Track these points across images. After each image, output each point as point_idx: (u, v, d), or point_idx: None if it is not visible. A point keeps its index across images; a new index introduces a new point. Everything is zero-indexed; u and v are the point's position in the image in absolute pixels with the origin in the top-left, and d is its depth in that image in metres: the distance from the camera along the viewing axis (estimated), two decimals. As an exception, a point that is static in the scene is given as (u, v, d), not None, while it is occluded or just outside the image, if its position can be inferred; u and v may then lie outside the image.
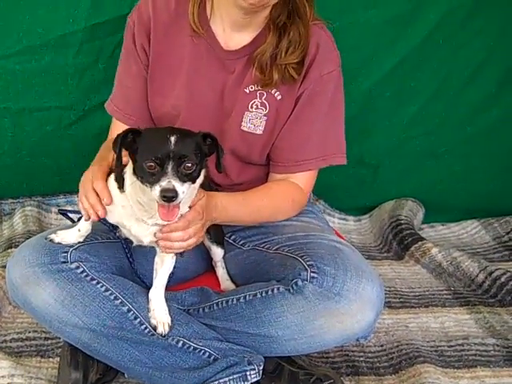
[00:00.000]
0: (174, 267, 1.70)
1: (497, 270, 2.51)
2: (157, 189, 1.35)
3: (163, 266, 1.67)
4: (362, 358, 2.04)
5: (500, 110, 2.87)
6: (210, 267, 2.01)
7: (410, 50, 2.67)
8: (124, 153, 1.47)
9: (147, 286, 1.74)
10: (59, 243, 1.67)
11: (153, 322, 1.66)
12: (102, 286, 1.66)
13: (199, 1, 1.82)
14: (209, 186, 1.74)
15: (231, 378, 1.65)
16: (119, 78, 1.99)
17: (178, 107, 1.87)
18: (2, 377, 1.76)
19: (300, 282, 1.65)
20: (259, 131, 1.87)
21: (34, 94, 2.49)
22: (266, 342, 1.72)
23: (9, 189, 2.74)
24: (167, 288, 1.71)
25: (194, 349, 1.69)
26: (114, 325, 1.65)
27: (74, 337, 1.67)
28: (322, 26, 1.86)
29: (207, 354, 1.69)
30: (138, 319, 1.66)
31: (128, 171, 1.49)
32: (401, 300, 2.41)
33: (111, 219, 1.61)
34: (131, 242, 1.68)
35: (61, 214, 1.91)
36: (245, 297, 1.74)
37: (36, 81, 2.47)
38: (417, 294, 2.47)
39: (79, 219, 1.71)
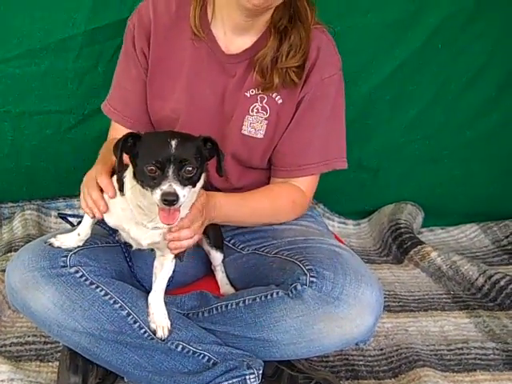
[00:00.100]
0: (174, 271, 1.70)
1: (496, 273, 2.50)
2: (158, 192, 1.35)
3: (162, 270, 1.67)
4: (361, 362, 2.03)
5: (500, 115, 2.88)
6: (209, 271, 2.01)
7: (410, 53, 2.68)
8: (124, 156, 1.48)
9: (146, 290, 1.74)
10: (59, 247, 1.67)
11: (152, 326, 1.66)
12: (101, 290, 1.65)
13: (200, 4, 1.82)
14: (208, 189, 1.74)
15: (230, 382, 1.65)
16: (117, 80, 1.99)
17: (178, 111, 1.87)
18: (2, 381, 1.76)
19: (299, 287, 1.65)
20: (260, 135, 1.87)
21: (33, 97, 2.50)
22: (266, 346, 1.72)
23: (8, 192, 2.74)
24: (166, 292, 1.71)
25: (194, 353, 1.68)
26: (113, 329, 1.65)
27: (74, 341, 1.67)
28: (323, 29, 1.86)
29: (206, 358, 1.69)
30: (138, 323, 1.66)
31: (128, 175, 1.50)
32: (400, 304, 2.41)
33: (110, 222, 1.61)
34: (130, 246, 1.68)
35: (60, 217, 1.92)
36: (244, 301, 1.74)
37: (36, 85, 2.47)
38: (416, 297, 2.46)
39: (79, 223, 1.71)
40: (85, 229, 1.67)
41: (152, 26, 1.85)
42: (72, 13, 2.37)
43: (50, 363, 1.91)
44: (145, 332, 1.66)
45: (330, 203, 2.98)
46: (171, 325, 1.68)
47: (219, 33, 1.84)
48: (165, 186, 1.35)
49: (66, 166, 2.63)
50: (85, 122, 2.57)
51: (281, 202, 1.93)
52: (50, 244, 1.67)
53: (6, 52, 2.40)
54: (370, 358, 2.05)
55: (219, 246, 1.91)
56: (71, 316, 1.63)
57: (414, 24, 2.63)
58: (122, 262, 1.77)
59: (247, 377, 1.66)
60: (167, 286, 1.70)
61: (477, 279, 2.52)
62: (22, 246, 1.83)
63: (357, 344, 2.04)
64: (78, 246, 1.68)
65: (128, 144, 1.44)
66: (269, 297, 1.70)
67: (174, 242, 1.57)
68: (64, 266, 1.63)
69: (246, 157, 1.92)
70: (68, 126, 2.58)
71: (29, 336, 2.02)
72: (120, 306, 1.66)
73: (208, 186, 1.77)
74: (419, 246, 2.74)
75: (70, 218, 1.89)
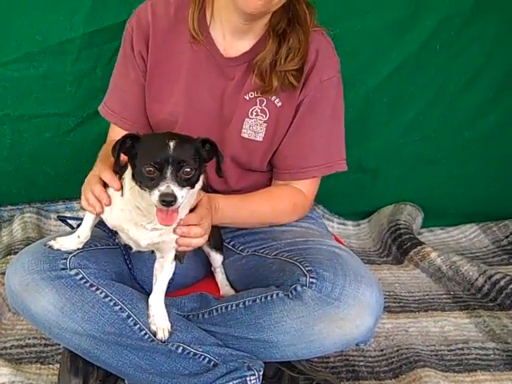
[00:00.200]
0: (174, 273, 1.70)
1: (496, 273, 2.51)
2: (156, 193, 1.35)
3: (163, 272, 1.66)
4: (362, 363, 2.03)
5: (497, 116, 2.89)
6: (209, 273, 2.01)
7: (408, 55, 2.68)
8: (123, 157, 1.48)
9: (147, 292, 1.74)
10: (58, 250, 1.67)
11: (152, 327, 1.66)
12: (101, 293, 1.65)
13: (199, 7, 1.82)
14: (207, 191, 1.75)
15: (231, 383, 1.64)
16: (115, 82, 1.99)
17: (176, 114, 1.87)
18: (2, 384, 1.77)
19: (299, 288, 1.65)
20: (259, 138, 1.87)
21: (32, 100, 2.50)
22: (266, 348, 1.72)
23: (8, 195, 2.74)
24: (167, 294, 1.71)
25: (194, 354, 1.68)
26: (113, 331, 1.64)
27: (74, 343, 1.66)
28: (322, 32, 1.87)
29: (207, 359, 1.69)
30: (138, 325, 1.66)
31: (127, 176, 1.50)
32: (400, 304, 2.41)
33: (110, 223, 1.61)
34: (130, 248, 1.68)
35: (60, 220, 1.92)
36: (244, 302, 1.74)
37: (34, 88, 2.48)
38: (416, 298, 2.47)
39: (78, 226, 1.71)
40: (85, 231, 1.67)
41: (150, 29, 1.85)
42: (70, 16, 2.37)
43: (51, 365, 1.91)
44: (145, 334, 1.66)
45: (329, 204, 2.99)
46: (171, 326, 1.68)
47: (218, 36, 1.84)
48: (163, 187, 1.35)
49: (65, 169, 2.63)
50: (84, 125, 2.57)
51: (281, 204, 1.93)
52: (49, 246, 1.67)
53: (4, 55, 2.41)
54: (370, 359, 2.06)
55: (219, 248, 1.91)
56: (71, 318, 1.63)
57: (411, 26, 2.64)
58: (122, 264, 1.77)
59: (248, 378, 1.65)
60: (167, 287, 1.70)
61: (477, 279, 2.52)
62: (22, 248, 1.83)
63: (357, 345, 2.04)
64: (78, 249, 1.68)
65: (126, 145, 1.44)
66: (269, 298, 1.70)
67: (184, 238, 1.57)
68: (64, 269, 1.63)
69: (246, 160, 1.92)
70: (67, 129, 2.58)
71: (29, 338, 2.02)
72: (120, 308, 1.66)
73: (207, 189, 1.78)
74: (419, 247, 2.74)
75: (69, 221, 1.89)
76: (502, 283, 2.46)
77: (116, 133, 1.94)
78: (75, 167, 2.57)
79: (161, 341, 1.65)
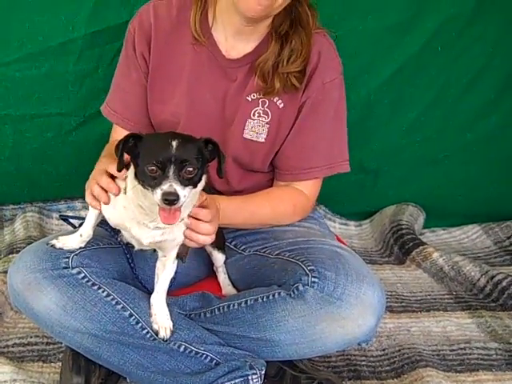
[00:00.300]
0: (176, 272, 1.70)
1: (498, 274, 2.51)
2: (158, 192, 1.36)
3: (164, 271, 1.67)
4: (363, 362, 2.03)
5: (499, 117, 2.89)
6: (211, 272, 2.01)
7: (409, 56, 2.69)
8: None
9: (149, 291, 1.74)
10: (61, 249, 1.67)
11: (154, 326, 1.66)
12: (103, 292, 1.65)
13: (201, 9, 1.82)
14: (209, 191, 1.75)
15: (233, 382, 1.64)
16: (117, 82, 1.99)
17: (178, 115, 1.88)
18: (4, 382, 1.76)
19: (301, 287, 1.65)
20: (261, 139, 1.87)
21: (34, 100, 2.51)
22: (268, 347, 1.72)
23: (10, 195, 2.75)
24: (169, 293, 1.71)
25: (196, 353, 1.68)
26: (115, 330, 1.65)
27: (76, 342, 1.67)
28: (324, 33, 1.87)
29: (209, 358, 1.69)
30: (140, 324, 1.66)
31: (129, 175, 1.50)
32: (402, 304, 2.41)
33: (112, 221, 1.61)
34: (132, 247, 1.68)
35: (62, 219, 1.92)
36: (246, 301, 1.74)
37: (36, 88, 2.48)
38: (418, 298, 2.47)
39: (80, 225, 1.71)
40: (87, 230, 1.67)
41: (153, 31, 1.85)
42: (72, 16, 2.38)
43: (53, 364, 1.91)
44: (147, 333, 1.66)
45: (331, 205, 2.99)
46: (173, 325, 1.68)
47: (220, 37, 1.84)
48: (165, 186, 1.35)
49: (67, 169, 2.64)
50: (85, 125, 2.57)
51: (282, 205, 1.93)
52: (51, 245, 1.68)
53: (6, 55, 2.41)
54: (372, 359, 2.06)
55: (221, 247, 1.91)
56: (73, 317, 1.63)
57: (413, 27, 2.64)
58: (124, 263, 1.77)
59: (250, 377, 1.65)
60: (169, 286, 1.70)
61: (479, 280, 2.52)
62: (24, 247, 1.83)
63: (359, 344, 2.04)
64: (80, 248, 1.68)
65: (129, 144, 1.45)
66: (271, 297, 1.70)
67: (192, 232, 1.58)
68: (66, 268, 1.63)
69: (248, 160, 1.92)
70: (69, 129, 2.58)
71: (31, 337, 2.02)
72: (122, 307, 1.66)
73: (209, 189, 1.78)
74: (421, 247, 2.74)
75: (71, 220, 1.89)
76: (504, 283, 2.46)
77: (118, 133, 1.94)
78: (77, 167, 2.58)
79: (163, 340, 1.65)
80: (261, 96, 1.84)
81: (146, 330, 1.66)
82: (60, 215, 1.98)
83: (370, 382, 1.95)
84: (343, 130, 1.95)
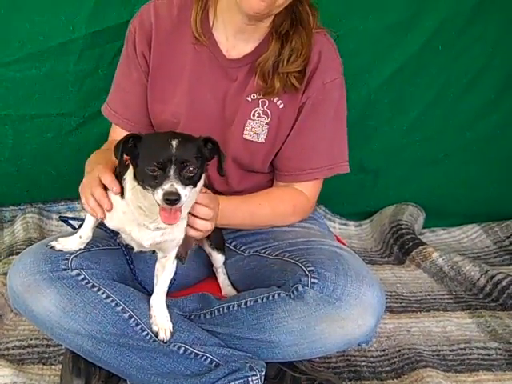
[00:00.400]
0: (175, 273, 1.70)
1: (498, 274, 2.51)
2: (159, 192, 1.35)
3: (164, 272, 1.66)
4: (363, 363, 2.04)
5: (499, 116, 2.89)
6: (211, 273, 2.01)
7: (409, 56, 2.69)
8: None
9: (148, 293, 1.74)
10: (60, 250, 1.67)
11: (154, 328, 1.66)
12: (103, 293, 1.65)
13: (202, 8, 1.82)
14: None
15: (233, 383, 1.65)
16: (117, 82, 1.99)
17: (178, 115, 1.87)
18: (5, 384, 1.77)
19: (301, 288, 1.65)
20: (261, 139, 1.87)
21: (34, 101, 2.51)
22: (268, 348, 1.72)
23: (10, 196, 2.75)
24: (168, 294, 1.71)
25: (196, 355, 1.68)
26: (115, 332, 1.64)
27: (76, 344, 1.67)
28: (325, 33, 1.87)
29: (209, 360, 1.69)
30: (140, 326, 1.66)
31: (128, 177, 1.50)
32: (402, 304, 2.41)
33: (112, 225, 1.60)
34: (132, 249, 1.68)
35: (61, 220, 1.92)
36: (246, 302, 1.74)
37: (37, 88, 2.48)
38: (418, 298, 2.47)
39: (80, 226, 1.71)
40: (86, 231, 1.67)
41: (153, 30, 1.85)
42: (72, 16, 2.38)
43: (53, 366, 1.91)
44: (147, 334, 1.66)
45: (331, 205, 2.99)
46: (173, 327, 1.68)
47: (221, 37, 1.84)
48: (166, 186, 1.35)
49: (67, 169, 2.64)
50: (86, 125, 2.57)
51: (282, 206, 1.93)
52: (51, 247, 1.67)
53: (6, 56, 2.41)
54: (372, 359, 2.06)
55: (220, 248, 1.91)
56: (73, 319, 1.63)
57: (413, 27, 2.64)
58: (124, 265, 1.77)
59: (250, 378, 1.65)
60: (169, 288, 1.70)
61: (478, 279, 2.52)
62: (24, 249, 1.83)
63: (359, 345, 2.02)
64: (80, 249, 1.68)
65: (129, 145, 1.44)
66: (270, 298, 1.70)
67: (190, 229, 1.59)
68: (66, 269, 1.63)
69: (248, 161, 1.92)
70: (69, 129, 2.58)
71: (31, 339, 2.02)
72: (122, 309, 1.66)
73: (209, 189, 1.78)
74: (421, 247, 2.75)
75: (71, 221, 1.89)
76: (503, 283, 2.46)
77: (117, 133, 1.94)
78: (77, 167, 2.53)
79: (162, 341, 1.65)
80: (261, 96, 1.83)
81: (145, 332, 1.66)
82: (60, 216, 1.97)
83: (370, 383, 1.95)
84: (343, 131, 1.95)
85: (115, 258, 1.76)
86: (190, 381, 1.66)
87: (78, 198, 1.66)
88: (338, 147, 1.94)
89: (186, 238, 1.64)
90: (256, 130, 1.86)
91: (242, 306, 1.74)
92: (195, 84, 1.86)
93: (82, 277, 1.64)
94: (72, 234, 1.71)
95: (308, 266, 1.68)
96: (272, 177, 2.00)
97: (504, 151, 2.96)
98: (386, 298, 1.76)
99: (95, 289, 1.65)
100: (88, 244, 1.70)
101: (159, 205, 1.39)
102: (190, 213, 1.59)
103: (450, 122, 2.87)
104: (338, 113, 1.91)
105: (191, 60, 1.85)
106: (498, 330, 2.24)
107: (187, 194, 1.38)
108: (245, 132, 1.86)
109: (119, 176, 1.54)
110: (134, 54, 1.89)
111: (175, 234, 1.58)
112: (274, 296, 1.70)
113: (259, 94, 1.83)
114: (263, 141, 1.87)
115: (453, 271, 2.59)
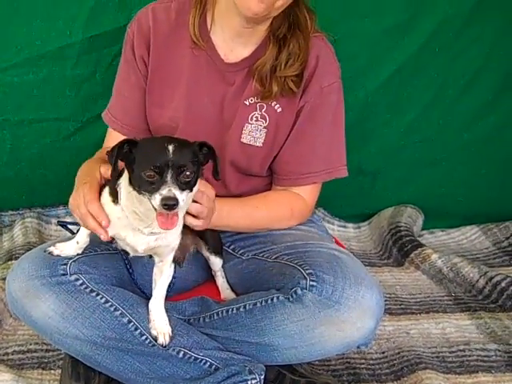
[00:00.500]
0: (174, 277, 1.71)
1: (497, 275, 2.51)
2: (157, 197, 1.35)
3: (162, 276, 1.66)
4: (363, 366, 2.03)
5: (497, 117, 2.89)
6: (209, 277, 2.00)
7: (407, 58, 2.69)
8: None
9: (147, 297, 1.74)
10: (58, 255, 1.67)
11: (153, 332, 1.66)
12: (101, 298, 1.65)
13: (200, 12, 1.82)
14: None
15: (232, 387, 1.65)
16: (117, 88, 1.99)
17: (176, 119, 1.87)
18: (4, 389, 1.77)
19: (299, 291, 1.65)
20: (259, 143, 1.87)
21: (32, 105, 2.50)
22: (267, 351, 1.72)
23: (8, 200, 2.74)
24: (167, 298, 1.71)
25: (195, 359, 1.68)
26: (114, 336, 1.65)
27: (75, 349, 1.67)
28: (323, 37, 1.87)
29: (208, 363, 1.69)
30: (139, 330, 1.66)
31: (123, 182, 1.49)
32: (401, 306, 2.41)
33: (108, 231, 1.60)
34: (128, 253, 1.68)
35: (60, 225, 1.92)
36: (245, 306, 1.74)
37: (34, 93, 2.48)
38: (417, 300, 2.47)
39: (78, 231, 1.71)
40: (83, 237, 1.67)
41: (151, 34, 1.85)
42: (70, 21, 2.38)
43: (53, 371, 1.91)
44: (146, 339, 1.66)
45: (329, 207, 2.99)
46: (172, 331, 1.68)
47: (219, 41, 1.84)
48: (164, 191, 1.35)
49: (65, 174, 2.59)
50: (84, 130, 2.57)
51: (279, 208, 1.93)
52: (49, 252, 1.68)
53: (4, 61, 2.41)
54: (371, 362, 2.06)
55: (218, 252, 1.91)
56: (72, 324, 1.63)
57: (410, 29, 2.64)
58: (122, 269, 1.77)
59: (249, 382, 1.65)
60: (168, 292, 1.70)
61: (478, 281, 2.52)
62: (23, 254, 1.83)
63: (358, 347, 2.04)
64: (78, 254, 1.68)
65: (124, 150, 1.44)
66: (269, 301, 1.70)
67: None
68: (64, 274, 1.63)
69: (245, 165, 1.92)
70: (67, 134, 2.58)
71: (31, 344, 2.02)
72: (121, 313, 1.66)
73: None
74: (420, 249, 2.74)
75: (69, 226, 1.89)
76: (503, 284, 2.46)
77: (113, 138, 1.94)
78: (75, 172, 2.54)
79: (162, 345, 1.65)
80: (258, 100, 1.83)
81: (144, 336, 1.66)
82: (58, 221, 1.97)
83: (369, 385, 1.95)
84: (341, 135, 1.95)
85: (113, 262, 1.76)
86: (190, 385, 1.67)
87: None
88: (337, 151, 1.94)
89: (183, 241, 1.64)
90: (254, 133, 1.86)
91: (241, 309, 1.74)
92: (193, 88, 1.85)
93: (81, 282, 1.64)
94: (70, 239, 1.72)
95: (307, 269, 1.68)
96: (270, 180, 2.00)
97: (502, 152, 2.96)
98: (385, 300, 1.76)
99: (94, 293, 1.65)
100: (86, 249, 1.70)
101: (156, 210, 1.39)
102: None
103: (447, 124, 2.87)
104: (336, 117, 1.91)
105: (189, 64, 1.85)
106: (498, 332, 2.24)
107: (184, 199, 1.38)
108: (242, 136, 1.86)
109: (112, 182, 1.53)
110: (133, 58, 1.88)
111: (169, 240, 1.57)
112: (272, 299, 1.70)
113: (257, 98, 1.83)
114: (261, 145, 1.87)
115: (452, 273, 2.59)
